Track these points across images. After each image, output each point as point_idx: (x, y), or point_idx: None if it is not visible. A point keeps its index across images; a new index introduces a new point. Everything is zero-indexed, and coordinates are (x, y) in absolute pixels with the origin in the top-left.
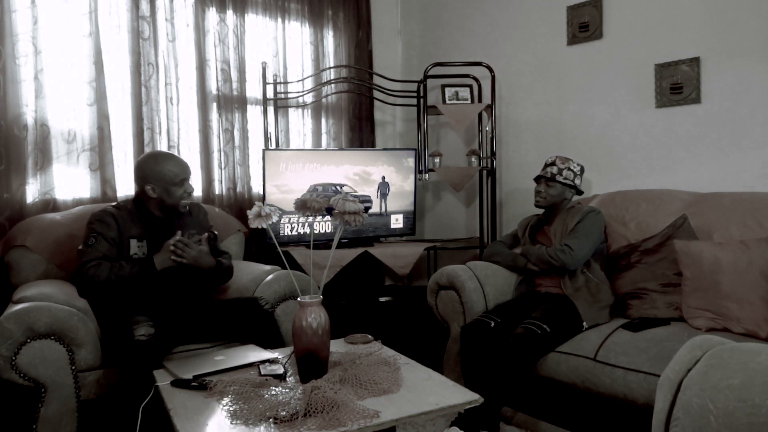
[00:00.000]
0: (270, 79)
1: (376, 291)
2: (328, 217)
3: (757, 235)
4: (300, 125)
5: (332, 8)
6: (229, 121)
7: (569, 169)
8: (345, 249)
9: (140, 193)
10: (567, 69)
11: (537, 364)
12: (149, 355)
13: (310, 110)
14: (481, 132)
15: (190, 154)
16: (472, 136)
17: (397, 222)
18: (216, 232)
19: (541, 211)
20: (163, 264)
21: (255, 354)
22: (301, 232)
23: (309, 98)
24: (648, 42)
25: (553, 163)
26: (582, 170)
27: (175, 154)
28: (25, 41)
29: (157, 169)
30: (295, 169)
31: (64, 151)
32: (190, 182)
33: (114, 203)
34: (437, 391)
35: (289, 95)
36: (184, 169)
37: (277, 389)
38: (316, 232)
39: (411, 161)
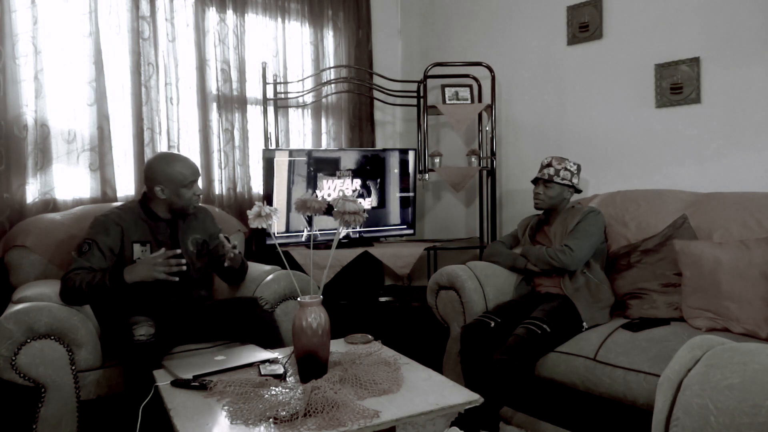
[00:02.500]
0: (270, 79)
1: (376, 291)
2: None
3: (757, 235)
4: (300, 125)
5: (332, 8)
6: (229, 121)
7: (566, 168)
8: (345, 249)
9: (148, 194)
10: (567, 69)
11: (537, 364)
12: (149, 355)
13: (310, 110)
14: (481, 132)
15: (190, 154)
16: (472, 136)
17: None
18: (226, 236)
19: (540, 211)
20: (136, 277)
21: (255, 354)
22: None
23: (309, 98)
24: (648, 42)
25: (549, 164)
26: (579, 168)
27: (185, 155)
28: (25, 41)
29: (167, 171)
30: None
31: (64, 151)
32: (199, 184)
33: (120, 204)
34: (437, 391)
35: (289, 95)
36: (194, 171)
37: (277, 389)
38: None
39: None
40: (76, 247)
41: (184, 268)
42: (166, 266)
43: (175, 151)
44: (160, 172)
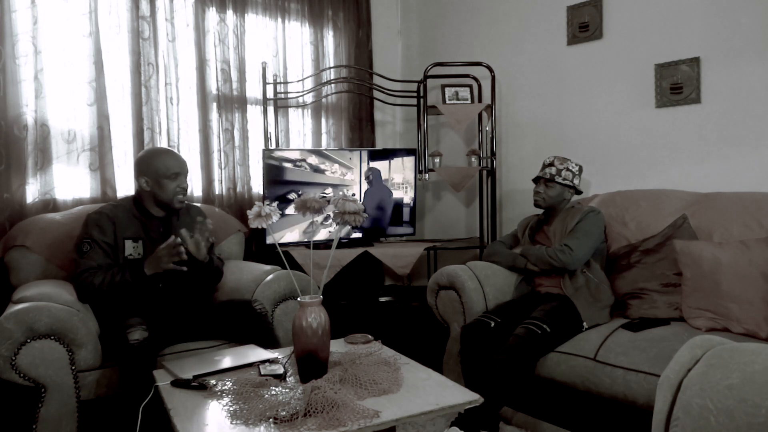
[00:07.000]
0: (270, 79)
1: (376, 291)
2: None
3: (757, 235)
4: (300, 125)
5: (332, 8)
6: (229, 121)
7: (568, 169)
8: (345, 249)
9: (138, 190)
10: (567, 69)
11: (537, 364)
12: (144, 357)
13: (310, 110)
14: (481, 132)
15: (190, 154)
16: (472, 136)
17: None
18: (214, 239)
19: (540, 211)
20: (152, 269)
21: (255, 354)
22: None
23: (309, 98)
24: (648, 42)
25: (551, 164)
26: (580, 170)
27: (176, 151)
28: (25, 41)
29: (152, 161)
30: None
31: (64, 151)
32: (187, 180)
33: (114, 201)
34: (437, 391)
35: (289, 95)
36: (180, 164)
37: (277, 389)
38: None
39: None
40: (75, 248)
41: (185, 256)
42: (170, 257)
43: (170, 148)
44: (143, 163)
